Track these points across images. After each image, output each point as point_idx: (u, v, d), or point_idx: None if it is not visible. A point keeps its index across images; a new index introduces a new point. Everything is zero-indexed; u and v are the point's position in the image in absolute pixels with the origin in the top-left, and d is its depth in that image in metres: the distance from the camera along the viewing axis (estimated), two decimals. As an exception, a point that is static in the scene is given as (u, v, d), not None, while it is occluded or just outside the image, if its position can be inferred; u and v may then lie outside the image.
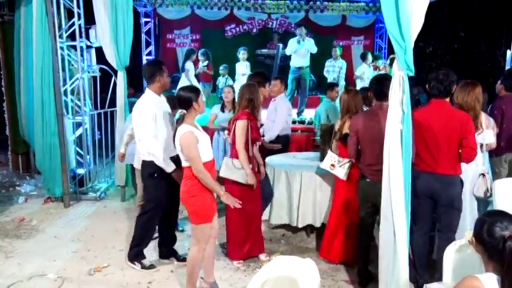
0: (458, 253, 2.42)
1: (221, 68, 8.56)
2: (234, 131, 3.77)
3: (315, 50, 8.01)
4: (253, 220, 4.01)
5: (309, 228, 4.57)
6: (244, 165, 3.75)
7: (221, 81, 8.52)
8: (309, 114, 8.07)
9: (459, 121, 3.19)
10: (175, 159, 3.74)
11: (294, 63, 8.01)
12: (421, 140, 3.25)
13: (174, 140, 3.16)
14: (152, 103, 3.66)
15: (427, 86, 3.30)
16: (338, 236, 3.96)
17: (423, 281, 3.35)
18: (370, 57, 8.58)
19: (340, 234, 3.95)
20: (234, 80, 8.46)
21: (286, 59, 8.58)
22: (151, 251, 4.13)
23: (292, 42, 8.05)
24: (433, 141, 3.24)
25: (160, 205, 3.80)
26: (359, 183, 3.55)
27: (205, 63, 8.39)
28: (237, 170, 3.77)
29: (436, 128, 3.22)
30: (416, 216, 3.34)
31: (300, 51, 7.90)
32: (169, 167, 3.64)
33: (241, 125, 3.72)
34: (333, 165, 3.92)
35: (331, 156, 3.97)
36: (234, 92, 5.55)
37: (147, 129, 3.58)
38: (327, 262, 4.02)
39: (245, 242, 4.00)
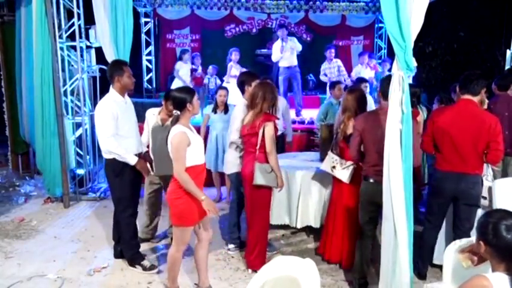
0: (458, 253, 2.43)
1: (210, 68, 8.56)
2: (263, 135, 3.61)
3: (300, 47, 7.96)
4: (268, 226, 3.95)
5: (309, 229, 4.57)
6: (275, 168, 3.66)
7: (211, 81, 8.51)
8: (307, 114, 8.06)
9: (487, 124, 3.24)
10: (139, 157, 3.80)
11: (282, 63, 7.98)
12: (446, 141, 3.32)
13: (167, 142, 3.13)
14: (115, 102, 3.69)
15: (457, 87, 3.37)
16: (337, 237, 3.92)
17: (424, 272, 3.62)
18: (366, 57, 8.57)
19: (339, 234, 3.90)
20: (222, 81, 8.42)
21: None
22: (147, 251, 4.12)
23: (276, 48, 7.96)
24: (460, 142, 3.28)
25: (131, 202, 3.85)
26: (362, 186, 3.44)
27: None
28: (268, 175, 3.67)
29: (464, 128, 3.27)
30: (433, 212, 3.57)
31: (285, 53, 7.87)
32: (132, 159, 3.70)
33: (271, 127, 3.61)
34: (334, 167, 3.82)
35: (332, 158, 3.86)
36: (228, 93, 5.57)
37: (106, 128, 3.61)
38: (326, 262, 4.02)
39: (265, 248, 3.94)
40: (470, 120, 3.27)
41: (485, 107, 4.53)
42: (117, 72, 3.73)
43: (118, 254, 4.05)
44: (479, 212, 3.39)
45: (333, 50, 8.31)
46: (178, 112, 3.11)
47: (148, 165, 3.95)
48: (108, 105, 3.66)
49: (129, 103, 3.88)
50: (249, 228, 3.86)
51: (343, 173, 3.78)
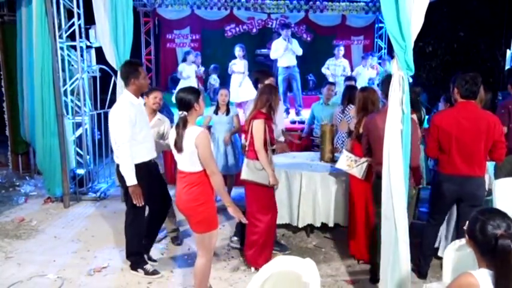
0: (458, 253, 2.43)
1: (211, 68, 8.54)
2: (251, 132, 3.65)
3: (300, 52, 7.89)
4: (274, 224, 3.92)
5: (309, 228, 4.58)
6: (265, 165, 3.64)
7: (211, 81, 8.51)
8: (307, 114, 8.04)
9: (490, 124, 3.28)
10: (152, 165, 3.69)
11: (282, 63, 7.92)
12: (452, 144, 3.33)
13: (176, 144, 3.01)
14: (131, 105, 3.55)
15: (454, 89, 3.37)
16: (360, 234, 3.94)
17: (424, 271, 3.64)
18: (369, 59, 8.59)
19: (362, 232, 3.93)
20: (223, 80, 8.41)
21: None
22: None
23: (277, 46, 7.88)
24: (469, 144, 3.31)
25: (143, 210, 3.69)
26: (374, 184, 3.47)
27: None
28: (258, 172, 3.66)
29: (471, 130, 3.30)
30: (435, 212, 3.61)
31: (287, 54, 7.83)
32: (130, 180, 3.47)
33: (258, 124, 3.60)
34: (349, 165, 3.90)
35: (346, 156, 3.93)
36: (229, 94, 5.51)
37: (123, 133, 3.45)
38: (327, 262, 4.03)
39: (269, 247, 3.91)
40: (475, 121, 3.31)
41: (482, 105, 4.51)
42: (132, 74, 3.60)
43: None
44: None
45: (342, 48, 8.42)
46: (185, 113, 3.01)
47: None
48: (125, 109, 3.49)
49: (143, 105, 3.76)
50: (248, 225, 3.84)
51: (357, 170, 3.86)
